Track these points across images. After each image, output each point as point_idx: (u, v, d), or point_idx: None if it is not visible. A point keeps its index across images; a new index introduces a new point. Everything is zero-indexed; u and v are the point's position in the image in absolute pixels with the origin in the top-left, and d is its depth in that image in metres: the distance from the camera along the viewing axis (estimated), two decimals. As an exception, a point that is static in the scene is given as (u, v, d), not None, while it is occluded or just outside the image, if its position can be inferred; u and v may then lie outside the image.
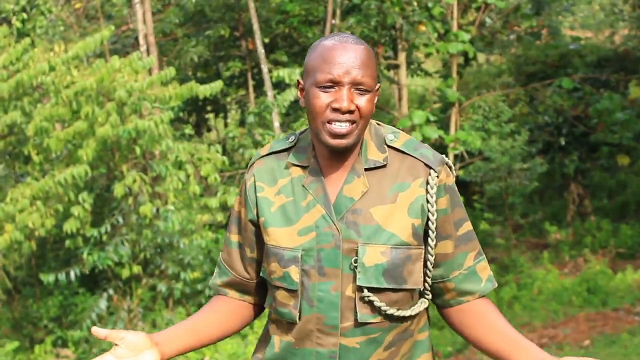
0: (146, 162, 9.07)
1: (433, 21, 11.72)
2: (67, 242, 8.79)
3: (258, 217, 2.27)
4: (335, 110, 2.12)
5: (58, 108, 8.43)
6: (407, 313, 2.22)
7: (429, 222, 2.20)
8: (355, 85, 2.13)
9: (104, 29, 9.07)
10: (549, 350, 8.22)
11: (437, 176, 2.20)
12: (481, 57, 17.10)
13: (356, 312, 2.17)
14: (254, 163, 2.32)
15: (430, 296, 2.30)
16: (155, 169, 8.77)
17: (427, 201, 2.19)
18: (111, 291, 9.01)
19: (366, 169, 2.21)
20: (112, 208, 9.13)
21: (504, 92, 12.93)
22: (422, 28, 11.85)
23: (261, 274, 2.30)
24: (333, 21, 11.23)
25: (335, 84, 2.12)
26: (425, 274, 2.25)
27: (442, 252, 2.24)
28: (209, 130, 16.45)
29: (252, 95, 12.89)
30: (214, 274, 2.43)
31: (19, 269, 10.47)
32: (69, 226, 8.36)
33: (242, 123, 14.66)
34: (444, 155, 2.27)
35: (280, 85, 12.10)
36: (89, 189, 8.89)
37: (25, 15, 11.23)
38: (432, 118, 11.40)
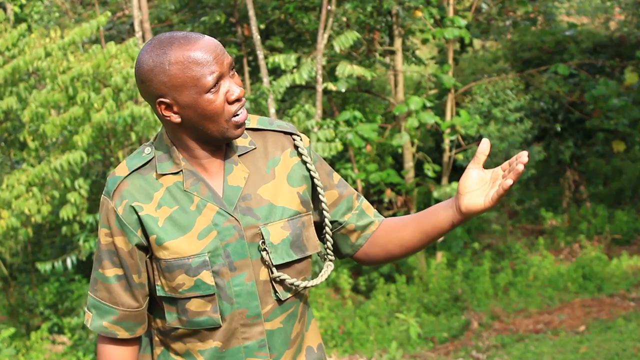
0: (142, 149, 9.06)
1: (429, 7, 11.71)
2: (64, 229, 8.79)
3: (147, 237, 2.18)
4: (235, 101, 2.13)
5: (54, 94, 8.41)
6: (315, 282, 2.28)
7: (315, 180, 2.29)
8: (231, 68, 2.15)
9: (100, 15, 9.04)
10: (544, 336, 8.25)
11: (301, 139, 2.30)
12: (477, 44, 17.09)
13: (276, 292, 2.21)
14: (117, 187, 2.19)
15: (333, 257, 2.37)
16: (151, 155, 8.76)
17: (305, 162, 2.28)
18: (107, 277, 8.99)
19: (239, 156, 2.24)
20: (108, 194, 9.11)
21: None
22: (418, 14, 11.84)
23: (159, 294, 2.21)
24: (329, 7, 11.20)
25: (220, 78, 2.12)
26: (324, 236, 2.34)
27: (331, 201, 2.34)
28: (204, 116, 16.43)
29: (247, 81, 12.87)
30: (89, 316, 2.28)
31: (14, 256, 10.48)
32: (65, 212, 8.36)
33: (237, 109, 14.63)
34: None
35: (276, 72, 12.08)
36: (85, 175, 8.88)
37: (23, 0, 11.20)
38: (428, 104, 11.40)
